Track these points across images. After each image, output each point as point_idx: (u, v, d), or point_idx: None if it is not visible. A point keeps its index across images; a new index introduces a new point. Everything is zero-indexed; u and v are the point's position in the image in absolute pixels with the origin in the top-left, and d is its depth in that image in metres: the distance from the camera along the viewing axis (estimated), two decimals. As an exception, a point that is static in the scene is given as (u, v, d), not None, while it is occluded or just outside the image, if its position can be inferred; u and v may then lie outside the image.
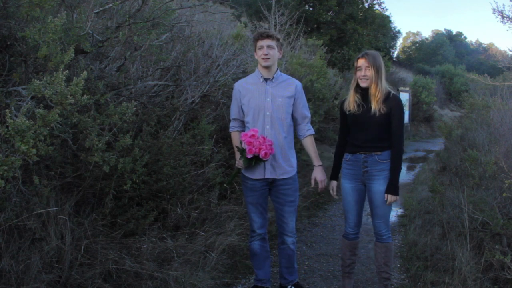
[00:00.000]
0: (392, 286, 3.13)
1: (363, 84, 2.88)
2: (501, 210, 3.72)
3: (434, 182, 5.36)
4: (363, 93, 2.92)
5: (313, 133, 3.08)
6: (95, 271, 2.75)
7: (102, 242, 3.02)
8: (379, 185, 2.90)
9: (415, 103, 17.83)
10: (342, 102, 3.06)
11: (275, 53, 2.93)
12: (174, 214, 3.66)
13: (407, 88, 17.60)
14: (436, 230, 4.24)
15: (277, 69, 3.00)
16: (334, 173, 3.13)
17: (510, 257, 3.03)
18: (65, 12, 2.97)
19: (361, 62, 2.87)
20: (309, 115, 3.09)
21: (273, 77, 2.97)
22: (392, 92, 2.93)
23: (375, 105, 2.85)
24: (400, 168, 2.93)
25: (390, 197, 2.86)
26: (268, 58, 2.89)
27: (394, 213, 5.57)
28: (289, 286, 3.14)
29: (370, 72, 2.84)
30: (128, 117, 3.05)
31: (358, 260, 3.24)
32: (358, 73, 2.89)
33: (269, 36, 2.89)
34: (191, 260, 3.27)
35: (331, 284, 3.47)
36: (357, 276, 3.54)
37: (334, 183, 3.12)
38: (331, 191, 3.12)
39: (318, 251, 4.18)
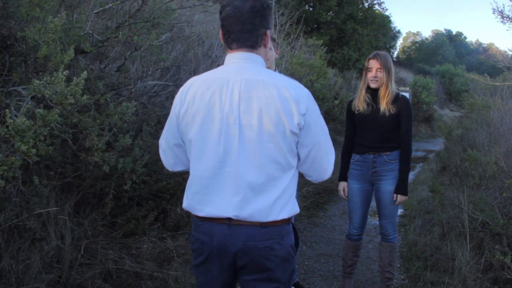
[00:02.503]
0: (392, 286, 3.13)
1: (373, 85, 2.87)
2: (501, 210, 3.72)
3: (434, 182, 5.37)
4: (373, 93, 2.91)
5: None
6: (95, 271, 2.75)
7: (102, 242, 3.02)
8: (388, 185, 2.90)
9: (415, 103, 17.81)
10: (350, 102, 3.04)
11: (273, 54, 2.93)
12: (174, 214, 3.66)
13: (407, 88, 17.57)
14: (436, 230, 4.24)
15: (275, 69, 3.00)
16: (342, 174, 3.07)
17: (510, 257, 3.03)
18: (65, 12, 2.97)
19: (373, 63, 2.85)
20: None
21: None
22: (401, 93, 2.93)
23: (384, 106, 2.84)
24: (409, 169, 2.92)
25: (400, 197, 2.87)
26: (267, 60, 2.89)
27: (394, 213, 5.57)
28: (289, 286, 3.13)
29: (381, 74, 2.83)
30: (128, 117, 3.05)
31: (358, 260, 3.24)
32: (369, 74, 2.87)
33: None
34: (191, 260, 3.27)
35: (331, 284, 3.47)
36: (357, 276, 3.54)
37: (344, 184, 3.06)
38: (341, 193, 3.07)
39: (318, 251, 4.18)
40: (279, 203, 1.44)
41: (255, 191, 1.43)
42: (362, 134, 2.97)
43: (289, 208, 1.47)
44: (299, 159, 1.51)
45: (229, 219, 1.43)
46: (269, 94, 1.41)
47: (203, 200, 1.47)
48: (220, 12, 1.51)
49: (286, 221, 1.48)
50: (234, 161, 1.42)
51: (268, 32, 1.53)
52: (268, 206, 1.43)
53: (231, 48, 1.51)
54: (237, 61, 1.49)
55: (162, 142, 1.66)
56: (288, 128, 1.41)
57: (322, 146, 1.49)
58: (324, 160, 1.51)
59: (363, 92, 2.93)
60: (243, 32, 1.47)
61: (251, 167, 1.42)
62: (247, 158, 1.42)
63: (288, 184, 1.47)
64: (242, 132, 1.42)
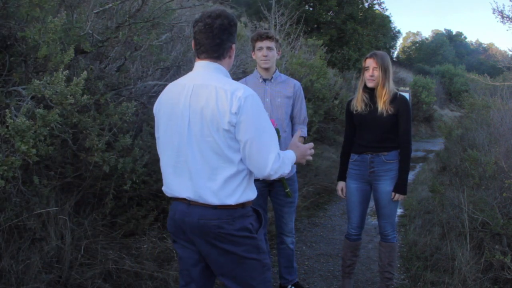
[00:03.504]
0: (392, 286, 3.13)
1: (369, 84, 2.87)
2: (501, 210, 3.72)
3: (434, 182, 5.36)
4: (371, 93, 2.91)
5: (305, 135, 3.05)
6: (95, 271, 2.75)
7: (102, 242, 3.02)
8: (385, 185, 2.90)
9: (415, 103, 17.80)
10: (349, 102, 3.04)
11: (274, 54, 2.93)
12: (174, 214, 3.66)
13: (407, 88, 17.53)
14: (436, 230, 4.24)
15: (276, 69, 3.00)
16: (341, 174, 3.09)
17: (510, 257, 3.03)
18: (65, 12, 2.97)
19: (369, 62, 2.85)
20: (306, 116, 3.08)
21: (272, 77, 2.97)
22: (399, 93, 2.92)
23: (382, 106, 2.84)
24: (409, 168, 2.92)
25: (398, 196, 2.88)
26: (268, 60, 2.89)
27: (394, 213, 5.56)
28: (289, 286, 3.14)
29: (377, 73, 2.83)
30: (128, 117, 3.05)
31: (358, 260, 3.24)
32: (366, 73, 2.88)
33: (268, 38, 2.88)
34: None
35: (331, 284, 3.47)
36: (357, 276, 3.54)
37: (342, 183, 3.08)
38: (339, 192, 3.09)
39: (318, 251, 4.18)
40: (226, 191, 1.70)
41: (203, 178, 1.70)
42: (360, 134, 2.97)
43: (237, 196, 1.72)
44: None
45: (190, 200, 1.74)
46: (209, 96, 1.68)
47: (170, 184, 1.81)
48: (194, 26, 1.77)
49: (240, 205, 1.74)
50: (185, 152, 1.72)
51: (233, 45, 1.81)
52: (214, 192, 1.69)
53: (199, 58, 1.80)
54: (198, 69, 1.79)
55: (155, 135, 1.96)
56: (220, 125, 1.65)
57: (255, 143, 1.66)
58: (259, 157, 1.67)
59: (361, 91, 2.93)
60: (212, 45, 1.75)
61: (197, 157, 1.70)
62: (193, 150, 1.71)
63: (233, 175, 1.71)
64: (190, 128, 1.71)
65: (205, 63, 1.77)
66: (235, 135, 1.67)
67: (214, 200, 1.69)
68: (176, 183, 1.76)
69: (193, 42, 1.80)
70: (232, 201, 1.71)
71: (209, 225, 1.70)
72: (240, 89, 1.68)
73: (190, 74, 1.81)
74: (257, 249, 1.78)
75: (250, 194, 1.78)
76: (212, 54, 1.76)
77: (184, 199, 1.75)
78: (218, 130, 1.66)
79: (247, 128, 1.65)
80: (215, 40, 1.73)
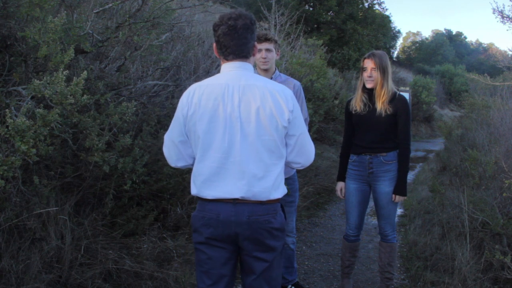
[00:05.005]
0: (392, 286, 3.13)
1: (368, 85, 2.86)
2: (501, 210, 3.72)
3: (434, 182, 5.36)
4: (370, 93, 2.91)
5: None
6: (95, 271, 2.75)
7: (102, 242, 3.02)
8: (384, 186, 2.89)
9: (415, 103, 17.79)
10: (348, 102, 3.03)
11: (273, 56, 2.93)
12: (174, 214, 3.66)
13: (407, 88, 17.51)
14: (436, 230, 4.23)
15: (275, 70, 3.00)
16: (340, 174, 3.08)
17: (510, 257, 3.03)
18: (65, 12, 2.97)
19: (367, 62, 2.84)
20: (307, 116, 3.08)
21: (272, 78, 2.97)
22: (398, 92, 2.91)
23: (381, 106, 2.83)
24: (408, 169, 2.91)
25: (398, 197, 2.87)
26: (267, 62, 2.89)
27: (394, 213, 5.56)
28: (289, 286, 3.14)
29: (376, 73, 2.82)
30: (128, 117, 3.05)
31: (358, 260, 3.24)
32: (364, 74, 2.87)
33: (266, 39, 2.87)
34: (191, 260, 3.27)
35: (331, 284, 3.47)
36: (357, 276, 3.54)
37: (341, 184, 3.08)
38: (338, 192, 3.09)
39: (318, 251, 4.18)
40: (275, 185, 1.79)
41: (256, 177, 1.75)
42: (359, 134, 2.96)
43: (281, 189, 1.83)
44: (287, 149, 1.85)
45: (235, 199, 1.75)
46: (263, 96, 1.74)
47: (212, 185, 1.77)
48: (215, 30, 1.80)
49: (278, 200, 1.83)
50: (238, 152, 1.73)
51: (256, 43, 1.87)
52: (268, 188, 1.76)
53: (227, 59, 1.82)
54: (233, 69, 1.81)
55: (167, 139, 1.90)
56: (280, 122, 1.75)
57: (305, 134, 1.85)
58: (308, 145, 1.87)
59: (360, 91, 2.93)
60: (238, 45, 1.79)
61: (252, 157, 1.74)
62: (248, 149, 1.74)
63: (280, 170, 1.81)
64: (243, 128, 1.73)
65: (238, 63, 1.81)
66: (289, 130, 1.79)
67: (263, 196, 1.76)
68: (225, 185, 1.76)
69: (214, 45, 1.84)
70: (278, 194, 1.81)
71: (260, 221, 1.76)
72: (286, 88, 1.83)
73: (223, 74, 1.82)
74: (284, 241, 1.89)
75: (285, 187, 1.89)
76: (240, 53, 1.80)
77: (231, 199, 1.75)
78: (277, 128, 1.75)
79: (299, 123, 1.81)
80: (241, 40, 1.78)
